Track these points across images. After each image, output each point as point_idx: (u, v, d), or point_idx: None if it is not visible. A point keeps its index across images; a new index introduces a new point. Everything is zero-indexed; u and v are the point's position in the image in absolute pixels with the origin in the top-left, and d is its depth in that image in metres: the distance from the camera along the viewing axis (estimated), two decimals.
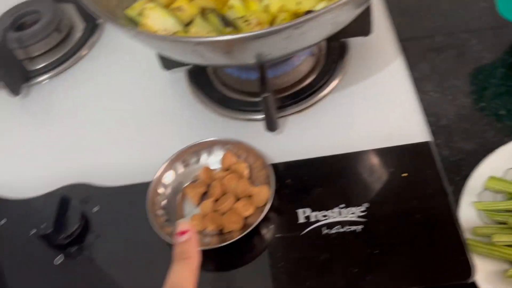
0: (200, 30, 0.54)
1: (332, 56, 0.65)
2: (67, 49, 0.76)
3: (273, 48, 0.46)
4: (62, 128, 0.67)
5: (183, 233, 0.37)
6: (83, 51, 0.75)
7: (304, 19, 0.41)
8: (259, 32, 0.42)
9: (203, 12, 0.58)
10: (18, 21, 0.78)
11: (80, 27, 0.79)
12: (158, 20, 0.55)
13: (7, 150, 0.66)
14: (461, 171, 0.58)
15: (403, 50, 0.67)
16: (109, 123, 0.66)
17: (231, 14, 0.59)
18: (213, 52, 0.45)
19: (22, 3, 0.83)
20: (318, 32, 0.46)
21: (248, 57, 0.47)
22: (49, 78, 0.73)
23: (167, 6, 0.59)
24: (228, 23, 0.55)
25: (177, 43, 0.44)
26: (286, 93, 0.63)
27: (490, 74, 0.69)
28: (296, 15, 0.56)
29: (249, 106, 0.62)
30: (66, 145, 0.64)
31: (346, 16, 0.47)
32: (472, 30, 0.74)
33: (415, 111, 0.59)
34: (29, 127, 0.69)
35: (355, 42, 0.66)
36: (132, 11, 0.59)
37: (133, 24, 0.59)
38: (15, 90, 0.69)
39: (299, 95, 0.62)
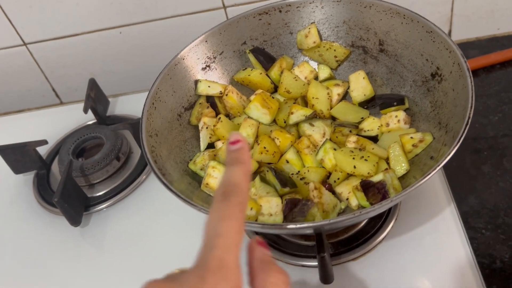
0: (259, 192, 0.57)
1: None
2: (126, 175, 0.80)
3: (334, 227, 0.47)
4: (121, 258, 0.69)
5: (235, 142, 0.38)
6: (141, 177, 0.79)
7: (361, 213, 0.43)
8: (323, 222, 0.44)
9: (261, 168, 0.61)
10: (80, 146, 0.83)
11: (138, 151, 0.83)
12: (220, 179, 0.58)
13: (67, 282, 0.68)
14: None
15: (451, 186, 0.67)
16: (170, 255, 0.67)
17: (288, 169, 0.62)
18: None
19: (84, 127, 0.88)
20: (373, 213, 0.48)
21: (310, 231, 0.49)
22: (109, 206, 0.77)
23: None
24: (285, 183, 0.58)
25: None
26: (340, 238, 0.64)
27: None
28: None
29: (304, 251, 0.63)
30: (126, 277, 0.66)
31: None
32: None
33: (468, 263, 0.59)
34: (88, 256, 0.71)
35: None
36: (194, 166, 0.63)
37: (195, 176, 0.62)
38: (76, 221, 0.73)
39: (353, 241, 0.63)
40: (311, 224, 0.45)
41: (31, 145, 0.80)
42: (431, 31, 0.59)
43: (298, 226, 0.45)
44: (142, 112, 0.60)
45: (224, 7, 0.91)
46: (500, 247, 0.66)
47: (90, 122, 0.90)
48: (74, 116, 0.92)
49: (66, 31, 0.95)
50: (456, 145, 0.47)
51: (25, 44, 0.97)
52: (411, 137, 0.58)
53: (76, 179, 0.77)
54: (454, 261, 0.60)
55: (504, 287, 0.62)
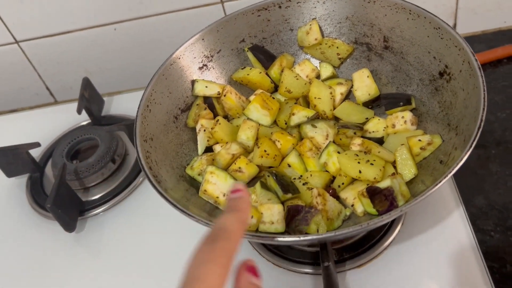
0: (260, 199, 0.54)
1: None
2: (122, 178, 0.77)
3: (339, 238, 0.45)
4: (119, 264, 0.66)
5: (236, 191, 0.37)
6: (138, 179, 0.76)
7: (369, 224, 0.41)
8: (328, 235, 0.42)
9: (261, 172, 0.58)
10: (75, 147, 0.80)
11: (134, 153, 0.80)
12: (219, 185, 0.55)
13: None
14: None
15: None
16: (168, 260, 0.64)
17: (290, 173, 0.59)
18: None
19: (78, 128, 0.86)
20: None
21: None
22: (105, 210, 0.74)
23: (226, 167, 0.59)
24: (287, 189, 0.55)
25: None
26: (344, 244, 0.61)
27: None
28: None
29: (307, 258, 0.61)
30: (123, 284, 0.64)
31: None
32: None
33: (479, 269, 0.57)
34: (84, 262, 0.69)
35: None
36: (191, 171, 0.60)
37: (193, 181, 0.60)
38: (70, 227, 0.70)
39: (358, 247, 0.60)
40: (315, 237, 0.42)
41: (23, 147, 0.77)
42: (439, 27, 0.56)
43: (302, 238, 0.42)
44: (136, 115, 0.57)
45: (222, 1, 0.87)
46: (510, 250, 0.64)
47: (85, 123, 0.87)
48: (69, 116, 0.90)
49: (59, 28, 0.92)
50: (468, 150, 0.45)
51: (16, 42, 0.94)
52: (419, 140, 0.55)
53: (70, 182, 0.74)
54: (463, 267, 0.58)
55: None
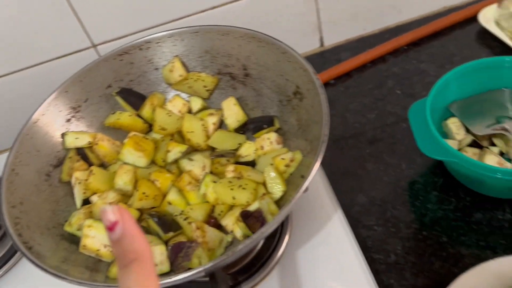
0: None
1: None
2: (4, 251, 0.73)
3: (217, 267, 0.47)
4: None
5: (112, 227, 0.25)
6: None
7: (234, 252, 0.43)
8: (202, 268, 0.43)
9: (143, 216, 0.59)
10: None
11: None
12: (98, 237, 0.55)
13: None
14: None
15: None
16: None
17: (172, 210, 0.60)
18: None
19: None
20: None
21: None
22: None
23: None
24: (169, 227, 0.56)
25: None
26: (238, 267, 0.63)
27: (426, 199, 0.72)
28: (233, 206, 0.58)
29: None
30: None
31: None
32: (399, 154, 0.79)
33: (359, 265, 0.61)
34: None
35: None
36: (70, 228, 0.59)
37: (73, 237, 0.59)
38: None
39: (251, 267, 0.63)
40: (186, 275, 0.43)
41: None
42: (285, 52, 0.60)
43: (174, 279, 0.43)
44: (1, 182, 0.55)
45: (94, 45, 0.87)
46: (392, 240, 0.69)
47: None
48: None
49: None
50: (314, 164, 0.48)
51: None
52: (282, 158, 0.59)
53: None
54: (348, 264, 0.62)
55: (400, 279, 0.65)
